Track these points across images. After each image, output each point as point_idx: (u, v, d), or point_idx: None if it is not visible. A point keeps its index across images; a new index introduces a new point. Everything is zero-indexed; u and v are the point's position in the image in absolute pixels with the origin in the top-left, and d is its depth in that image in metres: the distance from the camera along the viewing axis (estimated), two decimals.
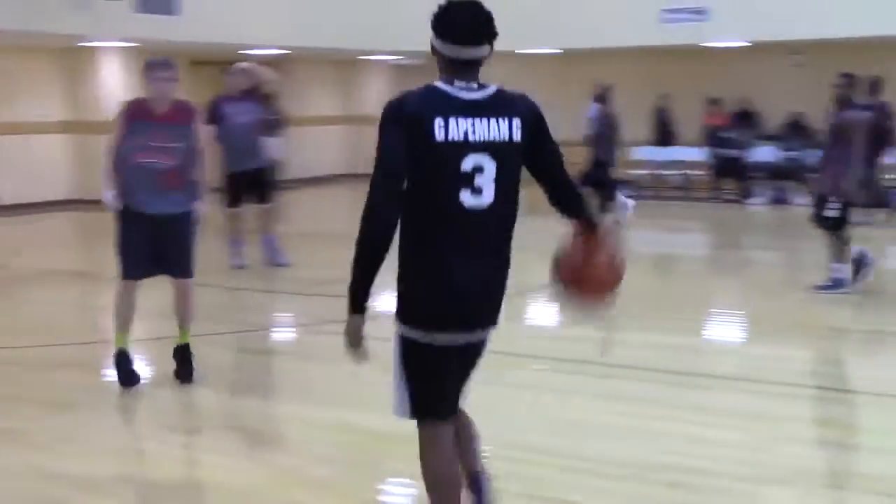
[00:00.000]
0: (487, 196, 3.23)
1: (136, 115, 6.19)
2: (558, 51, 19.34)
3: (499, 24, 3.32)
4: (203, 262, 6.86)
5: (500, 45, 3.37)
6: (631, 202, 14.31)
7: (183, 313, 6.53)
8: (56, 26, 13.99)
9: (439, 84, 3.26)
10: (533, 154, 3.31)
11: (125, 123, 6.19)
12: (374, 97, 22.90)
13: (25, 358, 7.33)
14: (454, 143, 3.16)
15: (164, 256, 6.30)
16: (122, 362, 6.46)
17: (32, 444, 5.45)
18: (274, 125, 10.81)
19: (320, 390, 6.42)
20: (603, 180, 13.50)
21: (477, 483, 3.70)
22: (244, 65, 10.70)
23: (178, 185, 6.21)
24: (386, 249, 3.19)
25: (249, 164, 10.37)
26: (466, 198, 3.21)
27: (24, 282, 10.59)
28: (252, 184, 10.49)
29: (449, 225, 3.24)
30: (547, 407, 6.02)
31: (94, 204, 11.99)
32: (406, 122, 3.15)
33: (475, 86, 3.26)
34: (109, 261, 6.70)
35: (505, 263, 3.41)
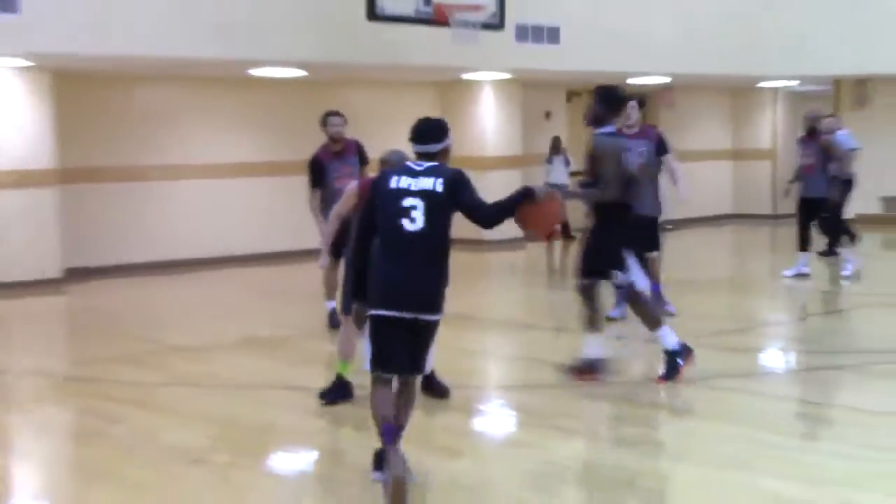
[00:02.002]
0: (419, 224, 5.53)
1: None
2: None
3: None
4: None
5: None
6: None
7: None
8: (438, 59, 14.94)
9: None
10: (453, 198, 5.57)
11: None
12: (767, 128, 22.40)
13: None
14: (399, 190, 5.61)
15: None
16: None
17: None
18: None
19: (711, 449, 6.37)
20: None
21: (393, 435, 5.47)
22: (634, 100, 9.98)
23: None
24: None
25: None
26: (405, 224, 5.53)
27: None
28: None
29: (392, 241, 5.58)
30: None
31: None
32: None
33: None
34: None
35: (431, 268, 5.55)
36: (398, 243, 5.51)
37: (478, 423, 7.33)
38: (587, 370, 7.89)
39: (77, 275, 14.33)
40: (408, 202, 5.53)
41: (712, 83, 20.93)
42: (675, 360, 7.73)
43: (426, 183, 5.56)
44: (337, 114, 10.53)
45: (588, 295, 7.88)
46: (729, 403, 7.38)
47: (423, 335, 5.63)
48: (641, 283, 8.05)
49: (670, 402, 7.69)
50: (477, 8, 13.46)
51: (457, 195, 5.58)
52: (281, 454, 6.68)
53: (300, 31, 13.63)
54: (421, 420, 7.26)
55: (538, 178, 18.49)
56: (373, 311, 5.58)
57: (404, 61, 14.83)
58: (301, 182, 16.86)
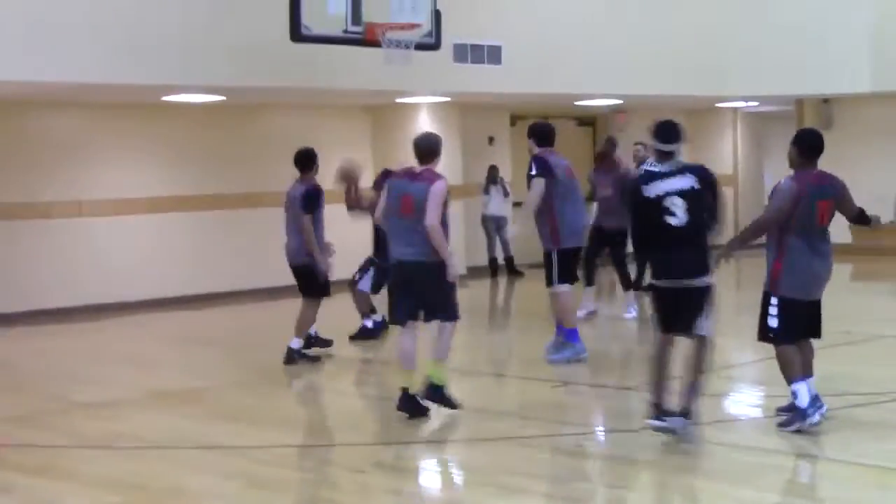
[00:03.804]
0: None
1: None
2: None
3: None
4: None
5: None
6: None
7: None
8: (369, 82, 14.87)
9: None
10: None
11: None
12: (728, 151, 22.61)
13: None
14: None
15: None
16: None
17: None
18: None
19: None
20: None
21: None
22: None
23: None
24: None
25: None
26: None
27: None
28: None
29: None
30: None
31: None
32: None
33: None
34: None
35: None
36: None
37: (415, 483, 7.19)
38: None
39: None
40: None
41: (667, 104, 21.06)
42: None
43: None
44: None
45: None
46: (696, 455, 7.36)
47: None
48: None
49: (628, 453, 7.63)
50: (411, 27, 13.38)
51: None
52: None
53: (218, 54, 13.49)
54: (358, 481, 7.15)
55: (477, 210, 18.51)
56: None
57: (332, 84, 14.72)
58: (222, 217, 17.02)
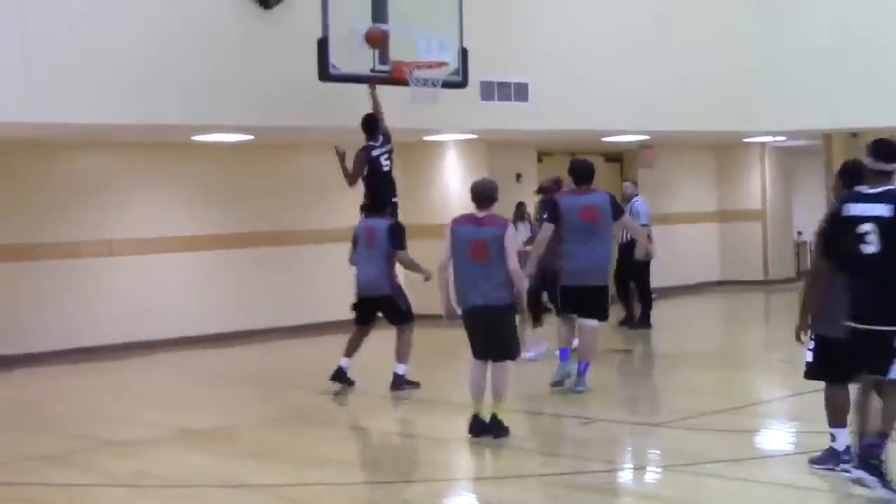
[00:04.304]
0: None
1: None
2: None
3: None
4: None
5: None
6: None
7: None
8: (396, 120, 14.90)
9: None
10: None
11: None
12: (756, 186, 22.50)
13: None
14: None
15: None
16: None
17: None
18: None
19: None
20: None
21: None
22: None
23: None
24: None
25: None
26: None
27: None
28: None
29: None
30: None
31: None
32: None
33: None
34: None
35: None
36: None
37: None
38: None
39: None
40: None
41: (694, 140, 21.03)
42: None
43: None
44: None
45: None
46: (714, 490, 7.27)
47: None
48: None
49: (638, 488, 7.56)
50: (438, 65, 13.42)
51: None
52: None
53: (246, 94, 13.56)
54: None
55: None
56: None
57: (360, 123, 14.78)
58: (247, 255, 17.01)
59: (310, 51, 12.36)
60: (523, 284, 8.78)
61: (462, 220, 8.95)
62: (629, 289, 15.93)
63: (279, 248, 16.94)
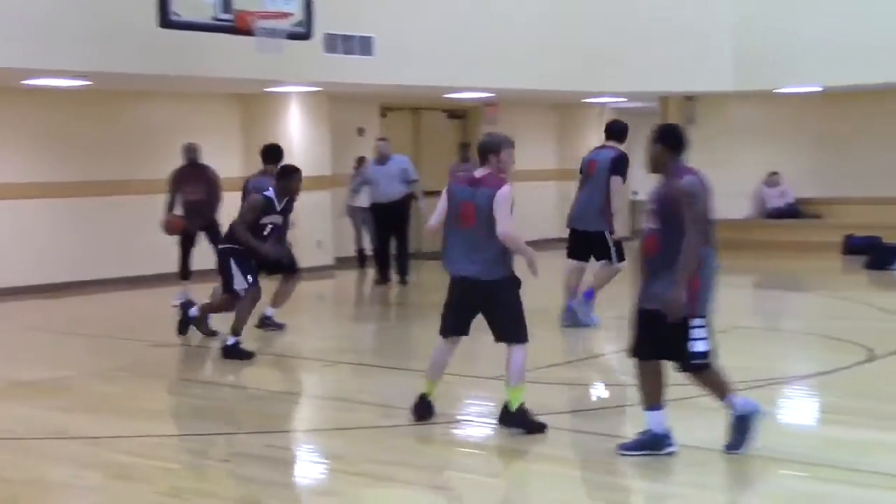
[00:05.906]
0: None
1: None
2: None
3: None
4: None
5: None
6: None
7: None
8: (239, 71, 14.71)
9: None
10: None
11: None
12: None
13: None
14: None
15: None
16: None
17: None
18: None
19: None
20: None
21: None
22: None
23: None
24: None
25: None
26: None
27: None
28: None
29: None
30: None
31: None
32: None
33: None
34: None
35: None
36: None
37: (283, 472, 7.15)
38: None
39: None
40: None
41: (537, 98, 21.27)
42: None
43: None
44: None
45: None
46: (566, 442, 7.45)
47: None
48: None
49: (499, 442, 7.68)
50: (283, 15, 13.26)
51: None
52: None
53: (83, 39, 13.18)
54: (225, 471, 7.08)
55: (345, 200, 18.42)
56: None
57: (201, 72, 14.53)
58: (86, 204, 16.61)
59: None
60: (517, 247, 7.54)
61: (459, 179, 7.88)
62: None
63: (111, 198, 16.55)
